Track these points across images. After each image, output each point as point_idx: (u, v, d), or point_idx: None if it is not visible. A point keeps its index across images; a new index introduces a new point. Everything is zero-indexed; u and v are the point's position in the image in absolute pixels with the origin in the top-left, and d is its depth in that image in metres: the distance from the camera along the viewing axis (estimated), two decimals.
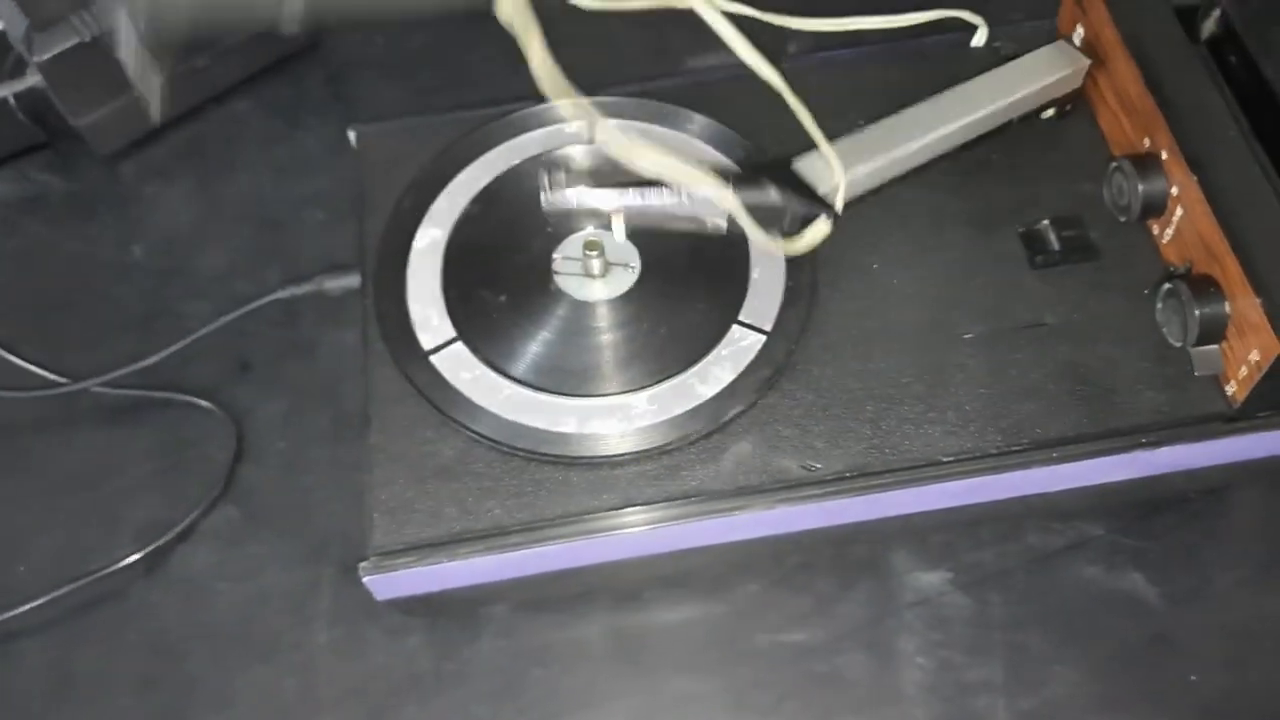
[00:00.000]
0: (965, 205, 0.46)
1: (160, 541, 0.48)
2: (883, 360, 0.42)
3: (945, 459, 0.40)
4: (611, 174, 0.40)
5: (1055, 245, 0.45)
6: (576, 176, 0.41)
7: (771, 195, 0.41)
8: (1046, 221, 0.45)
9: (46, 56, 0.52)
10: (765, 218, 0.41)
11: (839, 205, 0.42)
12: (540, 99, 0.48)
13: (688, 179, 0.39)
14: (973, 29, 0.50)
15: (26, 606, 0.46)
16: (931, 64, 0.49)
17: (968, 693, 0.44)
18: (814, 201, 0.42)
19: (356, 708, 0.44)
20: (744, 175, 0.41)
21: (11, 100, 0.57)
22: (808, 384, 0.42)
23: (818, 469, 0.40)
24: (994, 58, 0.48)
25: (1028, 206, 0.46)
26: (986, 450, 0.40)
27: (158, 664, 0.46)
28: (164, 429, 0.51)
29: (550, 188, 0.40)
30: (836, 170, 0.42)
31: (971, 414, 0.41)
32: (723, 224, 0.41)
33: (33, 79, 0.54)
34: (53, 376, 0.51)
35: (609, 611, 0.46)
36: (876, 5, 0.49)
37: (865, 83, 0.49)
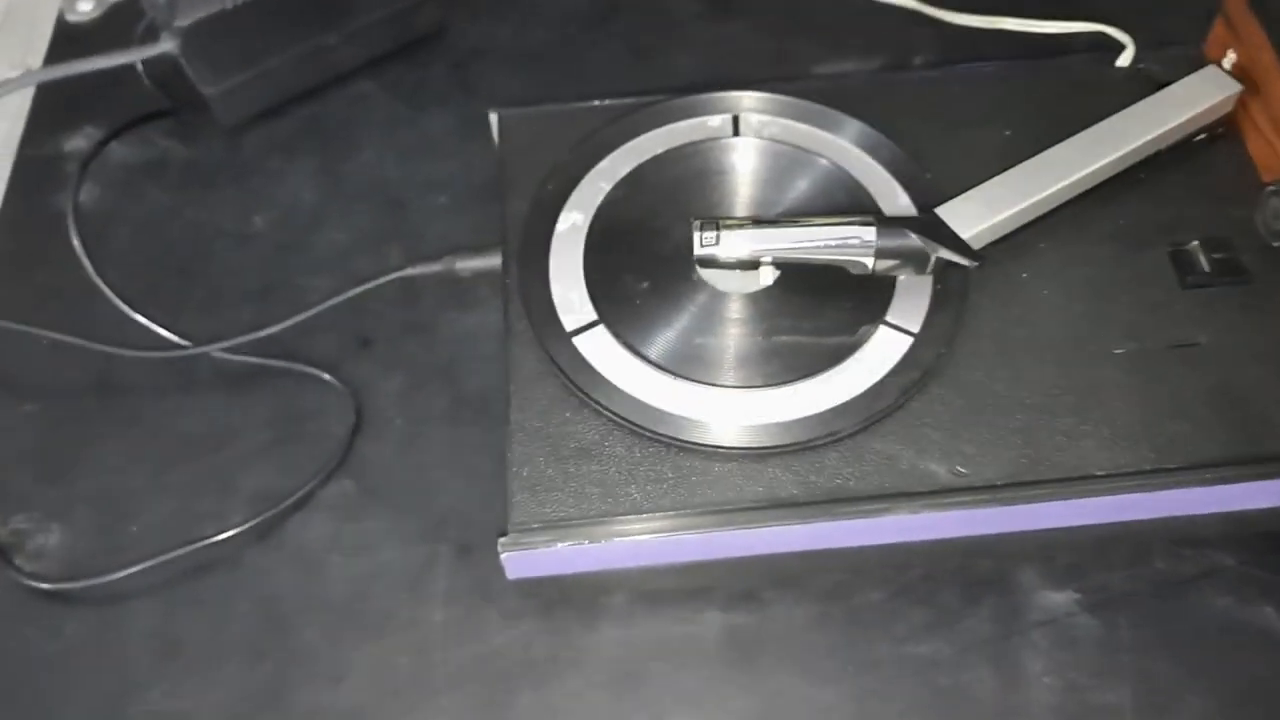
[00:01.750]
0: (1113, 221, 0.45)
1: (276, 509, 0.47)
2: (1033, 370, 0.42)
3: (1099, 473, 0.39)
4: (760, 223, 0.42)
5: (1205, 266, 0.44)
6: (727, 229, 0.42)
7: (913, 241, 0.41)
8: (1196, 242, 0.45)
9: (189, 22, 0.53)
10: (911, 261, 0.42)
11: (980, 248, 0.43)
12: (679, 92, 0.49)
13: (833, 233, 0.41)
14: (1117, 47, 0.50)
15: (137, 568, 0.46)
16: (1072, 82, 0.49)
17: (1095, 715, 0.43)
18: (958, 248, 0.42)
19: (471, 689, 0.44)
20: (887, 221, 0.41)
21: (140, 66, 0.58)
22: (957, 389, 0.41)
23: (967, 475, 0.40)
24: (1138, 79, 0.48)
25: (1176, 227, 0.45)
26: (1141, 467, 0.40)
27: (268, 634, 0.45)
28: (282, 399, 0.51)
29: (701, 244, 0.41)
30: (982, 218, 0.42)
31: (1124, 430, 0.40)
32: (869, 264, 0.41)
33: (165, 45, 0.54)
34: (175, 339, 0.51)
35: (727, 610, 0.45)
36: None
37: (1004, 97, 0.49)
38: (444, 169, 0.57)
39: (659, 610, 0.45)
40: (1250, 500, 0.41)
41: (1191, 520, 0.42)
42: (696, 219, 0.42)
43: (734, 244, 0.41)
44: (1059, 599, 0.45)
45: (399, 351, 0.52)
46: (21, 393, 0.52)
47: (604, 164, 0.47)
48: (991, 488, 0.39)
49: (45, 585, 0.46)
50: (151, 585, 0.46)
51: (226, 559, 0.47)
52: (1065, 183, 0.43)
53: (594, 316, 0.43)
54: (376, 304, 0.53)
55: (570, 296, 0.43)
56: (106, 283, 0.52)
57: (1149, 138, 0.45)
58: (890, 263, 0.41)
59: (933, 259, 0.41)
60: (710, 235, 0.41)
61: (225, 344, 0.51)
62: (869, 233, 0.40)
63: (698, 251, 0.41)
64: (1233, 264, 0.44)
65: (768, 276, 0.43)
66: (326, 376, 0.51)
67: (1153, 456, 0.40)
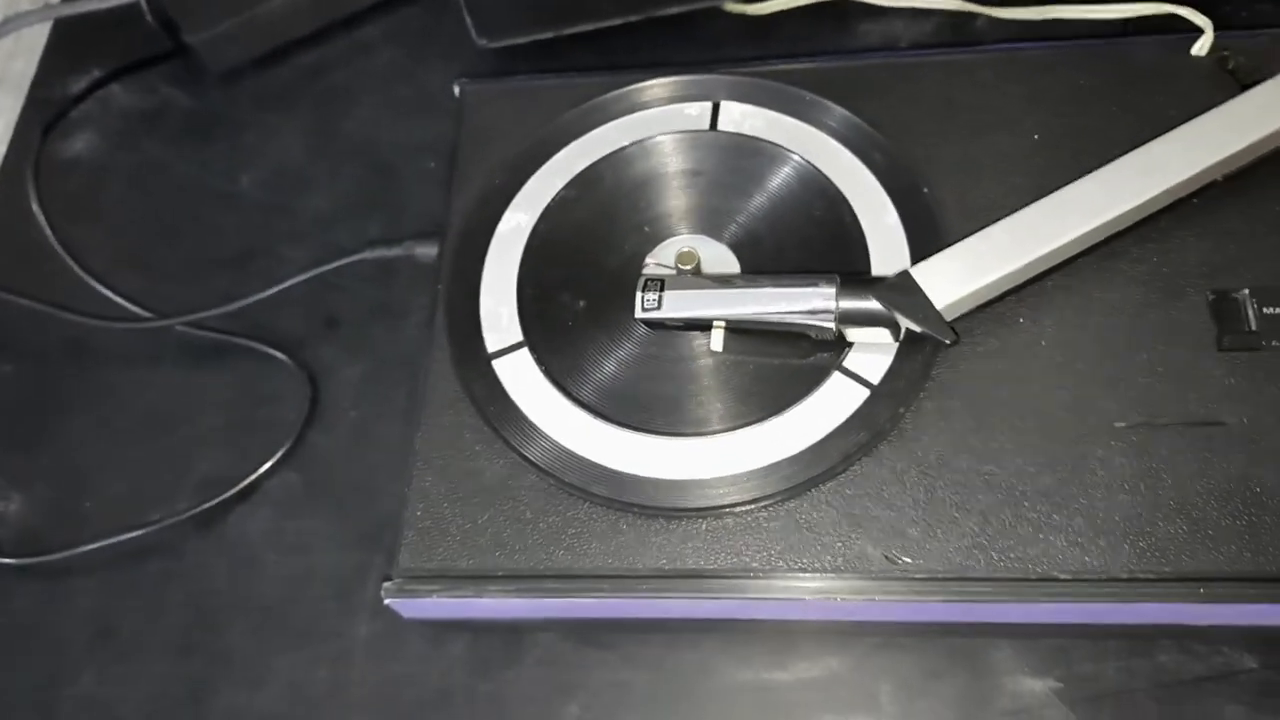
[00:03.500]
0: (1144, 257, 0.38)
1: (218, 499, 0.46)
2: (1009, 440, 0.35)
3: (1062, 576, 0.33)
4: (710, 282, 0.37)
5: (1252, 323, 0.36)
6: (672, 290, 0.37)
7: (877, 309, 0.35)
8: (1246, 291, 0.36)
9: None
10: (880, 325, 0.36)
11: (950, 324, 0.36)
12: (664, 70, 0.43)
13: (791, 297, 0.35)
14: (1195, 32, 0.41)
15: (83, 549, 0.45)
16: (1133, 73, 0.40)
17: None
18: (928, 321, 0.35)
19: (384, 713, 0.42)
20: (850, 282, 0.35)
21: (143, 4, 0.55)
22: (913, 456, 0.35)
23: (905, 563, 0.34)
24: (1217, 73, 0.39)
25: (1225, 269, 0.37)
26: (1115, 574, 0.33)
27: (198, 629, 0.44)
28: (243, 378, 0.49)
29: (644, 306, 0.37)
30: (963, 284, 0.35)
31: (1105, 525, 0.34)
32: (831, 329, 0.35)
33: None
34: (139, 310, 0.50)
35: (662, 659, 0.41)
36: None
37: (1050, 86, 0.41)
38: (438, 130, 0.53)
39: (588, 652, 0.42)
40: (1267, 618, 0.34)
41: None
42: (643, 274, 0.37)
43: (679, 307, 0.36)
44: (1036, 687, 0.39)
45: (364, 336, 0.49)
46: (2, 354, 0.51)
47: (561, 155, 0.42)
48: (931, 580, 0.34)
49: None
50: (96, 566, 0.46)
51: (168, 546, 0.46)
52: (1087, 230, 0.36)
53: (519, 338, 0.39)
54: (349, 280, 0.50)
55: (499, 311, 0.39)
56: (90, 240, 0.51)
57: (1217, 160, 0.37)
58: (856, 328, 0.35)
59: (903, 329, 0.35)
60: (652, 297, 0.36)
61: (190, 318, 0.49)
62: (829, 299, 0.34)
63: (639, 314, 0.37)
64: None
65: (717, 342, 0.37)
66: (286, 359, 0.48)
67: (1133, 563, 0.33)
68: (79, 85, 0.57)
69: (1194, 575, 0.33)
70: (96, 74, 0.57)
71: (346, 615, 0.44)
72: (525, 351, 0.38)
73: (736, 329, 0.37)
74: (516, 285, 0.39)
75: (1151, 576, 0.33)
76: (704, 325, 0.37)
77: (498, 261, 0.40)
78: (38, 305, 0.50)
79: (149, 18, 0.56)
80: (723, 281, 0.37)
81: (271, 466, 0.46)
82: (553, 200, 0.41)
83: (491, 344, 0.39)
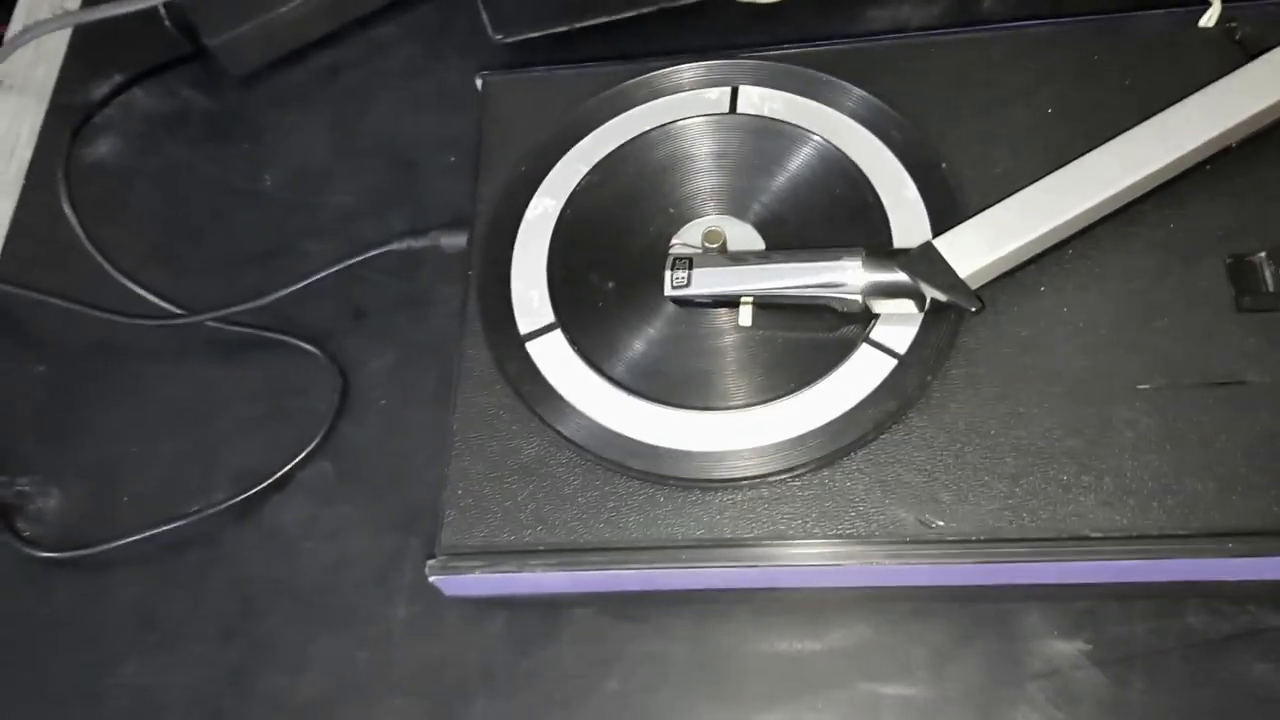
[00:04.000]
0: (1161, 223, 0.38)
1: (254, 490, 0.47)
2: (1036, 405, 0.36)
3: (1094, 535, 0.34)
4: (736, 259, 0.38)
5: (1270, 284, 0.37)
6: (700, 267, 0.38)
7: (903, 279, 0.36)
8: (1264, 254, 0.37)
9: None
10: (905, 296, 0.37)
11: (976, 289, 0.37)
12: (683, 56, 0.44)
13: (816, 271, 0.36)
14: (1202, 4, 0.42)
15: (123, 541, 0.46)
16: (1140, 46, 0.41)
17: None
18: (954, 289, 0.36)
19: (426, 693, 0.43)
20: (874, 253, 0.36)
21: (161, 9, 0.56)
22: (941, 423, 0.36)
23: (939, 526, 0.35)
24: (1226, 44, 0.40)
25: (1241, 232, 0.38)
26: (1145, 531, 0.34)
27: (238, 617, 0.45)
28: (272, 372, 0.50)
29: (673, 284, 0.38)
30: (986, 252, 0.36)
31: (1133, 484, 0.35)
32: (858, 301, 0.36)
33: None
34: (169, 307, 0.51)
35: (697, 631, 0.42)
36: None
37: (1061, 61, 0.42)
38: (458, 125, 0.54)
39: (625, 625, 0.42)
40: None
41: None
42: (670, 253, 0.38)
43: (707, 284, 0.37)
44: (1065, 649, 0.40)
45: (391, 326, 0.50)
46: (34, 353, 0.52)
47: (585, 142, 0.43)
48: (964, 542, 0.35)
49: (40, 553, 0.47)
50: (135, 558, 0.47)
51: (205, 537, 0.47)
52: (1104, 197, 0.37)
53: (551, 319, 0.39)
54: (374, 273, 0.51)
55: (530, 295, 0.40)
56: (113, 242, 0.52)
57: (1230, 126, 0.38)
58: (882, 300, 0.36)
59: (928, 299, 0.36)
60: (681, 275, 0.37)
61: (219, 313, 0.50)
62: (855, 272, 0.35)
63: (668, 292, 0.38)
64: None
65: (746, 317, 0.38)
66: (315, 351, 0.49)
67: (1163, 519, 0.34)
68: (101, 90, 0.58)
69: (1223, 530, 0.34)
70: (118, 79, 0.58)
71: (384, 599, 0.45)
72: (558, 333, 0.39)
73: (764, 304, 0.38)
74: (546, 269, 0.40)
75: (1181, 533, 0.34)
76: (732, 301, 0.38)
77: (527, 247, 0.41)
78: (70, 305, 0.51)
79: (168, 22, 0.57)
80: (749, 258, 0.38)
81: (305, 457, 0.47)
82: (578, 185, 0.41)
83: (524, 326, 0.39)
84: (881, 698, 0.40)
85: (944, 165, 0.39)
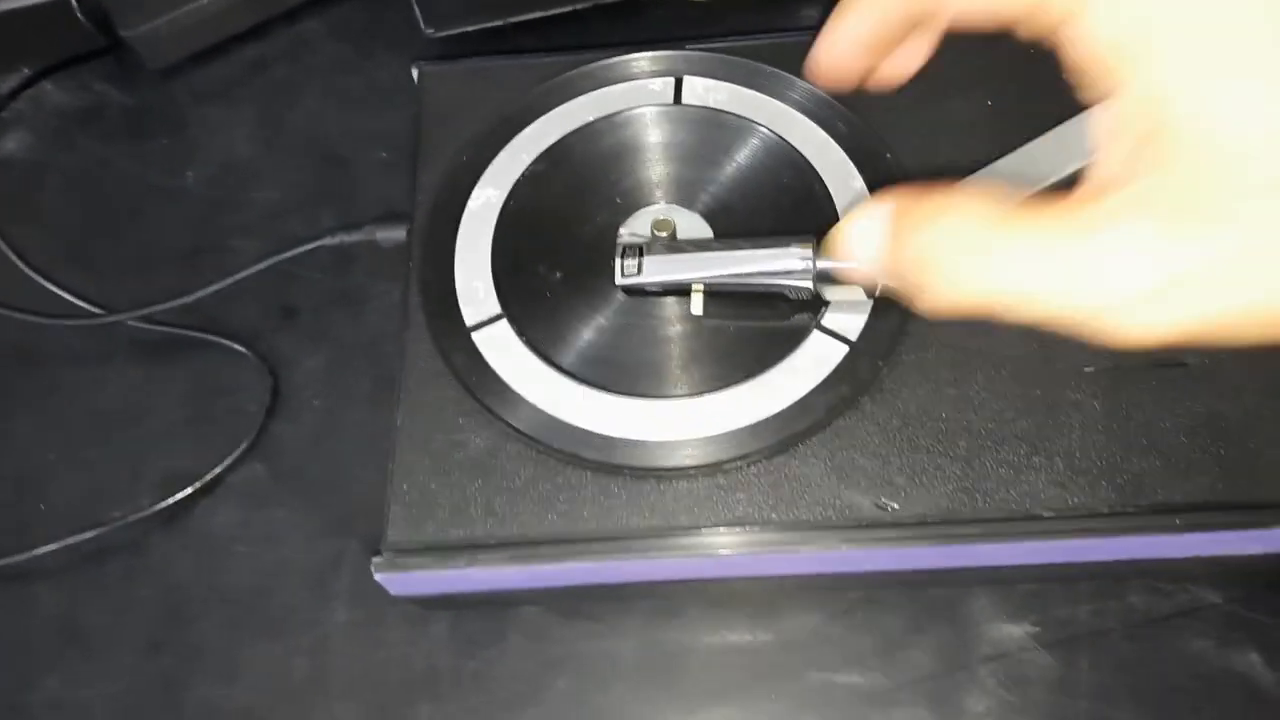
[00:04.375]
0: None
1: (183, 494, 0.45)
2: (985, 389, 0.36)
3: (1046, 514, 0.34)
4: (687, 248, 0.38)
5: None
6: (650, 255, 0.37)
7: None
8: None
9: None
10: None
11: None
12: (624, 48, 0.43)
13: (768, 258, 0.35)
14: None
15: (43, 550, 0.44)
16: None
17: None
18: None
19: (367, 699, 0.41)
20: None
21: (73, 1, 0.54)
22: (894, 408, 0.36)
23: (894, 509, 0.35)
24: None
25: None
26: (1096, 509, 0.34)
27: (167, 626, 0.43)
28: (199, 372, 0.48)
29: (623, 272, 0.37)
30: None
31: (1083, 464, 0.35)
32: (808, 286, 0.36)
33: None
34: (89, 307, 0.48)
35: (648, 627, 0.42)
36: None
37: (999, 55, 0.42)
38: (389, 122, 0.53)
39: (573, 624, 0.42)
40: (1239, 547, 0.36)
41: (1168, 560, 0.37)
42: (620, 242, 0.37)
43: (658, 271, 0.37)
44: (1014, 632, 0.41)
45: (324, 324, 0.48)
46: None
47: (528, 131, 0.42)
48: (921, 524, 0.35)
49: None
50: (55, 568, 0.45)
51: (132, 544, 0.45)
52: (1044, 185, 0.37)
53: (497, 310, 0.39)
54: (305, 270, 0.49)
55: (474, 285, 0.39)
56: (31, 240, 0.50)
57: None
58: (833, 286, 0.36)
59: (879, 285, 0.36)
60: (632, 264, 0.37)
61: (141, 312, 0.48)
62: (805, 259, 0.35)
63: (619, 281, 0.37)
64: None
65: (697, 305, 0.38)
66: (244, 350, 0.47)
67: (1112, 497, 0.35)
68: (8, 84, 0.55)
69: (1170, 506, 0.34)
70: (26, 72, 0.56)
71: (323, 603, 0.43)
72: (504, 323, 0.38)
73: (715, 292, 0.38)
74: (491, 259, 0.39)
75: (1131, 510, 0.34)
76: (684, 290, 0.38)
77: (470, 237, 0.40)
78: None
79: (80, 14, 0.54)
80: (700, 246, 0.38)
81: (235, 459, 0.45)
82: (522, 175, 0.41)
83: (470, 317, 0.39)
84: (834, 686, 0.40)
85: (889, 156, 0.40)
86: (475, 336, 0.38)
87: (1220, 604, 0.40)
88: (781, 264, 0.35)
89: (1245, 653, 0.39)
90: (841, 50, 0.30)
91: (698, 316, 0.38)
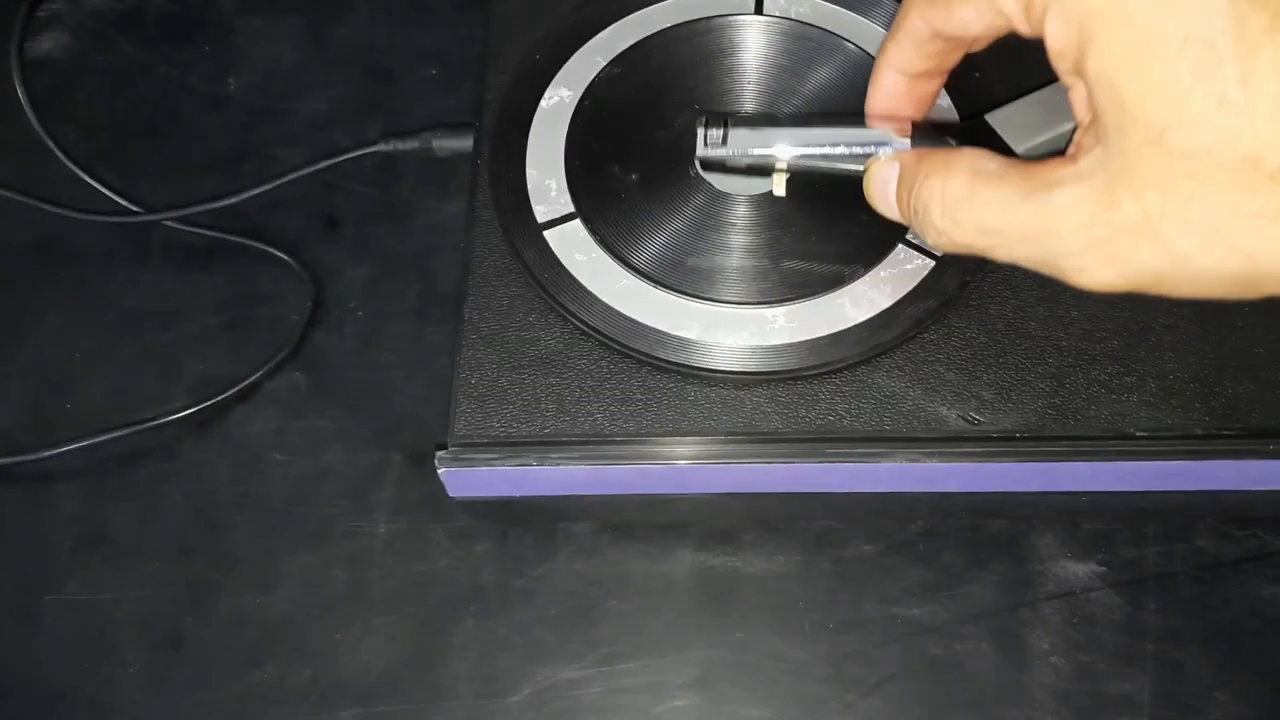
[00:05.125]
0: None
1: (219, 397, 0.43)
2: (1075, 307, 0.35)
3: (1139, 434, 0.33)
4: (774, 123, 0.36)
5: None
6: (735, 127, 0.35)
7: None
8: None
9: None
10: None
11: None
12: None
13: (860, 138, 0.34)
14: None
15: (67, 447, 0.42)
16: None
17: (1106, 708, 0.37)
18: None
19: (408, 613, 0.40)
20: (925, 127, 0.34)
21: None
22: (982, 323, 0.35)
23: (981, 423, 0.34)
24: None
25: None
26: (1190, 430, 0.33)
27: (198, 532, 0.41)
28: (238, 278, 0.46)
29: (705, 143, 0.35)
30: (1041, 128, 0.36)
31: (1176, 385, 0.34)
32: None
33: None
34: (126, 204, 0.47)
35: (701, 550, 0.40)
36: None
37: None
38: (440, 39, 0.52)
39: (625, 544, 0.40)
40: None
41: (1246, 497, 0.36)
42: (702, 112, 0.36)
43: (743, 145, 0.35)
44: (1079, 570, 0.40)
45: (369, 236, 0.47)
46: None
47: (604, 35, 0.41)
48: (1009, 439, 0.34)
49: None
50: (81, 468, 0.43)
51: (162, 447, 0.43)
52: (1054, 134, 0.36)
53: (570, 209, 0.37)
54: (350, 182, 0.48)
55: (547, 184, 0.38)
56: (62, 138, 0.48)
57: None
58: None
59: None
60: (716, 134, 0.35)
61: (180, 212, 0.46)
62: (902, 140, 0.34)
63: (701, 152, 0.35)
64: None
65: (780, 186, 0.37)
66: (286, 257, 0.46)
67: (1206, 419, 0.34)
68: None
69: (1264, 431, 0.33)
70: None
71: (363, 515, 0.42)
72: (578, 222, 0.37)
73: (801, 176, 0.36)
74: (564, 158, 0.38)
75: (1226, 432, 0.33)
76: (767, 170, 0.36)
77: (542, 136, 0.39)
78: (15, 195, 0.46)
79: None
80: (791, 120, 0.36)
81: (274, 366, 0.44)
82: (598, 77, 0.40)
83: (541, 215, 0.37)
84: (893, 618, 0.39)
85: (977, 74, 0.39)
86: (547, 234, 0.37)
87: None
88: (875, 143, 0.34)
89: None
90: (892, 84, 0.33)
91: (777, 218, 0.36)
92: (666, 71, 0.40)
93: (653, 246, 0.37)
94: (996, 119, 0.36)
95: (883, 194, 0.32)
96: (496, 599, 0.40)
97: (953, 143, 0.33)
